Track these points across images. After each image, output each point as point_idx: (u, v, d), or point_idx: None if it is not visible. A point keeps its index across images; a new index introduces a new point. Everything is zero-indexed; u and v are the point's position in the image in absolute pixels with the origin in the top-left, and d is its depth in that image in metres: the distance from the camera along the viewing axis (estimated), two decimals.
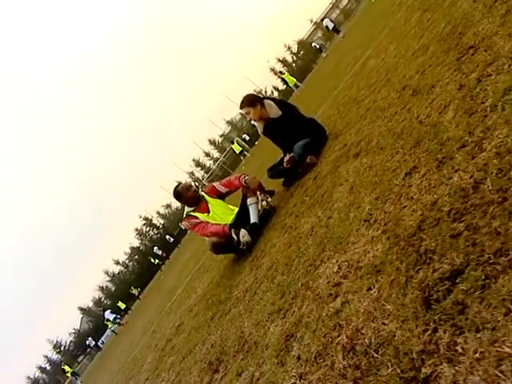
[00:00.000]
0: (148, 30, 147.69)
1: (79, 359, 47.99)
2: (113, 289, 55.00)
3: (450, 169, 1.51)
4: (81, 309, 57.01)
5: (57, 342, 55.23)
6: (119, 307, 31.61)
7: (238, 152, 34.71)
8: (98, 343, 29.99)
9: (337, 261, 1.82)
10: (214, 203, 4.42)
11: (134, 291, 33.19)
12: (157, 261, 34.23)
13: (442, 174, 1.54)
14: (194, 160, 59.88)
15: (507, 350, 0.78)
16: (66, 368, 29.90)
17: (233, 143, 36.78)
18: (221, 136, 60.31)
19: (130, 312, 29.18)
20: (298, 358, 1.53)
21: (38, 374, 55.30)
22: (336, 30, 28.00)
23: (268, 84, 56.46)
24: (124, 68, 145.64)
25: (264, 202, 4.07)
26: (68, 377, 31.24)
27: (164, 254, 34.25)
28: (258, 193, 4.09)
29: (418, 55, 3.44)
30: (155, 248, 36.57)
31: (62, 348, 55.03)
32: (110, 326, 26.74)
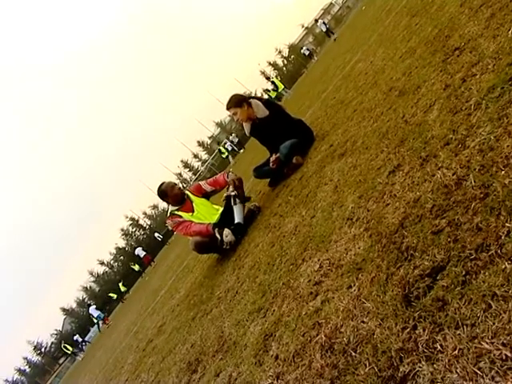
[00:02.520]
0: (136, 29, 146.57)
1: (60, 361, 46.98)
2: (97, 289, 54.16)
3: (433, 166, 1.49)
4: (63, 309, 55.96)
5: (37, 343, 53.97)
6: (111, 297, 30.45)
7: (224, 156, 33.21)
8: (86, 339, 29.05)
9: (318, 259, 1.79)
10: (198, 202, 4.35)
11: (122, 288, 29.55)
12: (137, 266, 30.19)
13: (425, 172, 1.52)
14: (182, 161, 59.54)
15: (486, 346, 0.75)
16: (68, 347, 28.66)
17: (219, 144, 35.32)
18: (209, 137, 60.12)
19: (122, 302, 28.10)
20: (276, 357, 1.49)
21: (16, 376, 53.99)
22: (328, 32, 28.10)
23: (258, 87, 56.47)
24: (114, 67, 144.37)
25: (233, 193, 4.00)
26: (69, 354, 29.36)
27: (148, 257, 29.63)
28: (231, 187, 4.04)
29: (405, 58, 3.45)
30: (138, 249, 31.14)
31: (43, 349, 53.85)
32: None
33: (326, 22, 34.72)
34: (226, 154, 32.86)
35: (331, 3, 56.43)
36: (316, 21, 31.92)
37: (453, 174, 1.32)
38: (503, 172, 1.10)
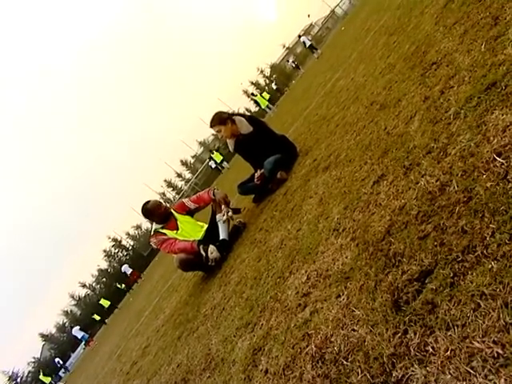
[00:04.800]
0: (120, 48, 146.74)
1: None
2: (78, 313, 52.41)
3: (416, 174, 1.52)
4: (42, 335, 53.82)
5: (13, 373, 51.23)
6: (94, 319, 29.50)
7: (219, 161, 30.75)
8: (66, 365, 27.97)
9: (306, 271, 1.78)
10: (182, 220, 4.32)
11: (105, 303, 28.13)
12: (123, 285, 29.01)
13: (409, 180, 1.54)
14: (165, 181, 59.13)
15: (477, 345, 0.75)
16: (44, 378, 26.89)
17: (212, 153, 32.45)
18: (193, 157, 60.09)
19: (104, 325, 27.16)
20: (266, 371, 1.46)
21: None
22: (312, 47, 28.29)
23: (241, 106, 57.00)
24: (97, 86, 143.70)
25: (230, 213, 4.00)
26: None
27: (135, 273, 28.53)
28: (223, 206, 4.02)
29: (385, 73, 3.54)
30: (124, 266, 30.33)
31: (19, 379, 51.25)
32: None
33: (310, 37, 35.46)
34: (221, 158, 30.84)
35: (311, 24, 57.99)
36: (299, 36, 32.39)
37: (436, 181, 1.34)
38: (484, 176, 1.13)
